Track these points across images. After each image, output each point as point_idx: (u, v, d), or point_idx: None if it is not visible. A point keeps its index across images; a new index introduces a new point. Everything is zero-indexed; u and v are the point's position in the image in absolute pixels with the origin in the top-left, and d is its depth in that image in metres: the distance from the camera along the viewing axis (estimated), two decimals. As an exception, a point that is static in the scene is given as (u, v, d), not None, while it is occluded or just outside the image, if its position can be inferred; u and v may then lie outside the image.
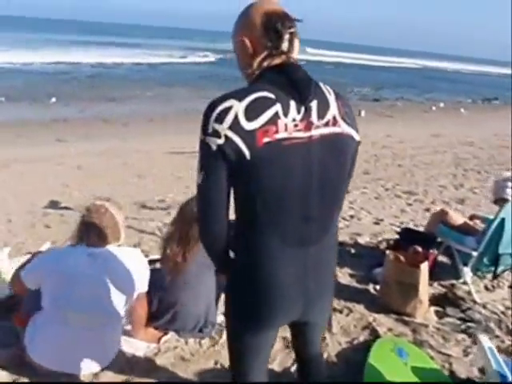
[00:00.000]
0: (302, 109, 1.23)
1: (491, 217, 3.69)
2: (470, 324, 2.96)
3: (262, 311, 1.32)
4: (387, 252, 3.30)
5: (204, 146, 1.21)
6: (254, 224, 1.26)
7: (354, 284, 3.47)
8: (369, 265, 3.77)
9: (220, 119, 1.18)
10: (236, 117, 1.17)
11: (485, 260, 3.38)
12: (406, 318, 3.00)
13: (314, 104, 1.25)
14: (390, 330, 2.89)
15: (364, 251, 4.10)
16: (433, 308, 3.15)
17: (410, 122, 16.46)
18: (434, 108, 21.78)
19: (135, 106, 15.44)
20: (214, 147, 1.18)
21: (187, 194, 5.98)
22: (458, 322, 2.99)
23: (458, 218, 3.74)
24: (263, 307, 1.32)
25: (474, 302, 3.28)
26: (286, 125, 1.20)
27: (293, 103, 1.22)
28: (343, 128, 1.29)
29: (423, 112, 20.41)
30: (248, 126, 1.17)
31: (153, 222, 4.70)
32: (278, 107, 1.20)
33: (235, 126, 1.17)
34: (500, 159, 9.63)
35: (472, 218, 3.90)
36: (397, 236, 4.13)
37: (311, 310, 1.39)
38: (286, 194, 1.23)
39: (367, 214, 5.30)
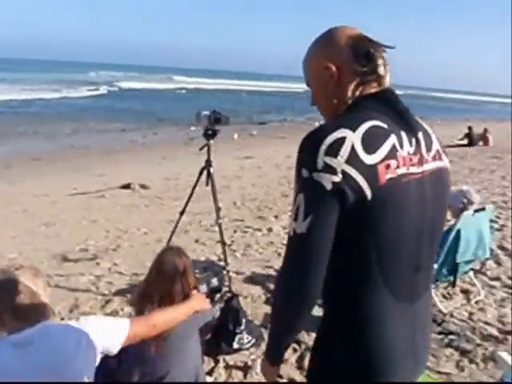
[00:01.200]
0: (414, 141, 1.07)
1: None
2: (451, 337, 3.00)
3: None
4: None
5: (313, 184, 0.97)
6: (366, 278, 1.05)
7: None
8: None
9: (334, 152, 0.97)
10: (353, 149, 0.97)
11: (443, 270, 3.49)
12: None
13: (421, 136, 1.09)
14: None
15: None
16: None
17: (301, 141, 17.21)
18: (318, 127, 23.23)
19: (14, 144, 13.92)
20: (329, 186, 0.96)
21: (110, 240, 5.45)
22: (440, 337, 3.02)
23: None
24: (375, 378, 1.09)
25: (441, 312, 3.36)
26: (403, 158, 1.03)
27: (404, 134, 1.06)
28: (445, 162, 1.16)
29: (309, 131, 21.58)
30: (368, 159, 0.98)
31: (83, 277, 4.10)
32: (393, 138, 1.03)
33: (353, 160, 0.97)
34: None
35: None
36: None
37: (418, 375, 1.20)
38: (402, 241, 1.05)
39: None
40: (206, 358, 2.78)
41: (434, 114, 40.44)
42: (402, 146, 1.03)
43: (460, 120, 35.62)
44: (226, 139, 14.55)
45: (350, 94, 1.09)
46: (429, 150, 1.10)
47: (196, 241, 5.12)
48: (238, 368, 2.69)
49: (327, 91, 1.13)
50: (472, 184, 8.69)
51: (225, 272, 3.74)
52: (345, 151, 0.97)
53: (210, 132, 3.33)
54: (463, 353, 2.84)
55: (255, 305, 3.48)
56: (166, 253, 2.35)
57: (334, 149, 0.97)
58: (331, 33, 1.13)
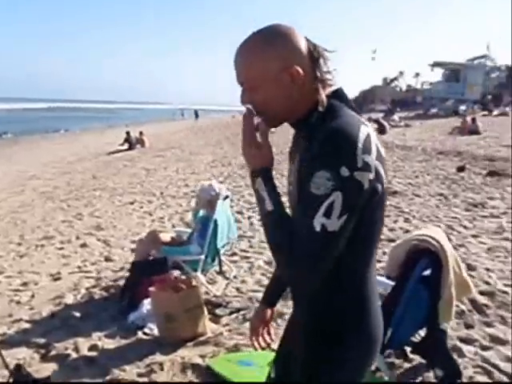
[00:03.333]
0: None
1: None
2: (242, 312, 3.36)
3: (375, 354, 1.21)
4: (151, 289, 3.15)
5: (354, 183, 0.99)
6: (371, 259, 1.16)
7: (125, 341, 3.12)
8: (113, 316, 3.46)
9: (368, 149, 1.01)
10: (376, 144, 1.05)
11: (208, 259, 3.82)
12: (201, 339, 3.06)
13: None
14: (202, 356, 2.87)
15: (88, 308, 3.65)
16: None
17: None
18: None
19: None
20: (366, 184, 1.01)
21: None
22: (233, 316, 3.34)
23: (165, 235, 3.97)
24: (376, 348, 1.20)
25: (216, 296, 3.68)
26: None
27: None
28: None
29: None
30: (383, 152, 1.08)
31: None
32: None
33: (379, 155, 1.05)
34: (88, 184, 10.16)
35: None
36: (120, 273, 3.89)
37: None
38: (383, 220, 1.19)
39: (38, 276, 4.56)
40: None
41: (76, 124, 41.05)
42: None
43: (105, 127, 37.27)
44: None
45: (324, 96, 1.10)
46: None
47: None
48: None
49: (288, 94, 1.10)
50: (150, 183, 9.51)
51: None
52: (373, 148, 1.03)
53: None
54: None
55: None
56: None
57: (368, 146, 1.01)
58: (284, 32, 1.09)
